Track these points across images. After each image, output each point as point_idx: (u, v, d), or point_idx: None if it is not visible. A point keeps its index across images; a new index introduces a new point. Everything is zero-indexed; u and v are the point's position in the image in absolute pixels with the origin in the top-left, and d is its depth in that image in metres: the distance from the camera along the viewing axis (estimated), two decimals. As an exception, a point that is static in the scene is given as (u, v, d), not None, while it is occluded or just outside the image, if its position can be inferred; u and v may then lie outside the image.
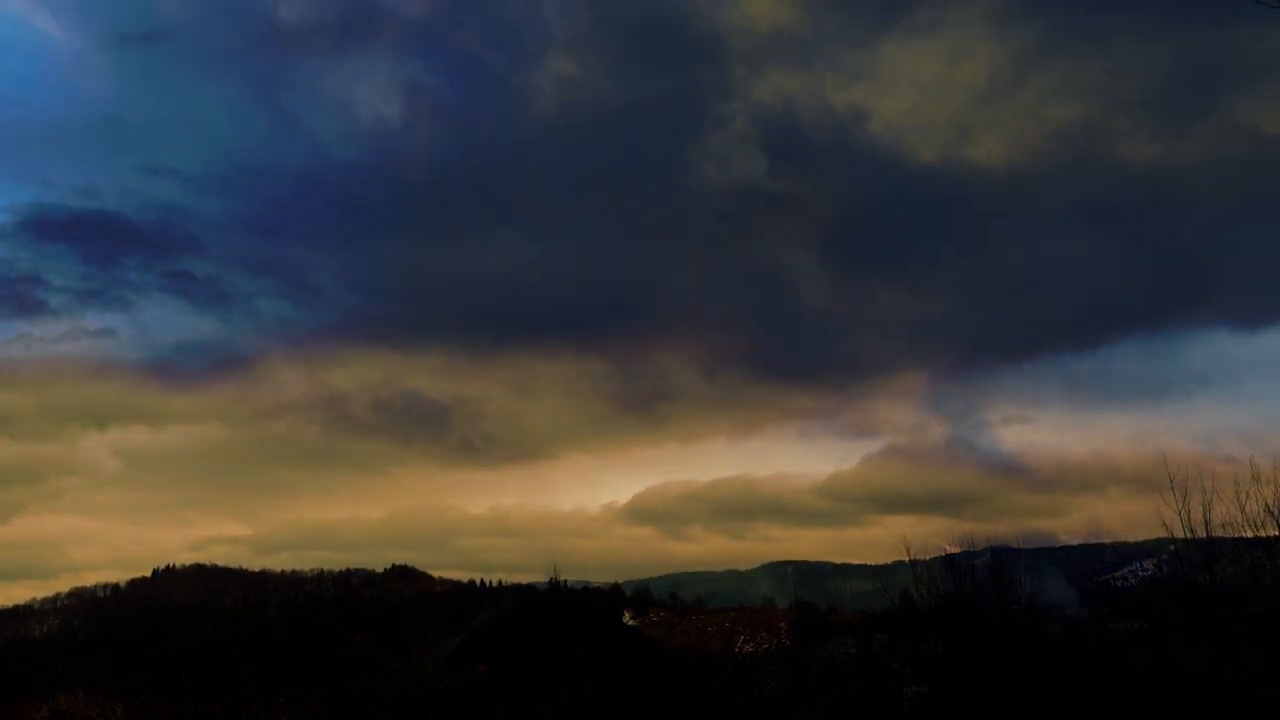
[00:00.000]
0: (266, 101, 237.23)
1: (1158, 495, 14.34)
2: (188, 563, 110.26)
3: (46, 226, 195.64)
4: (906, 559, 21.19)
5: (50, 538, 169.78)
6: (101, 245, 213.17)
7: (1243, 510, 13.60)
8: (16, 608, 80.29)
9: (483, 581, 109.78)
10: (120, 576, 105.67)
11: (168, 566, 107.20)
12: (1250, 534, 13.83)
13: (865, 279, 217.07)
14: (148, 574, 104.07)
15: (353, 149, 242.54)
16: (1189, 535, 14.26)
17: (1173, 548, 15.34)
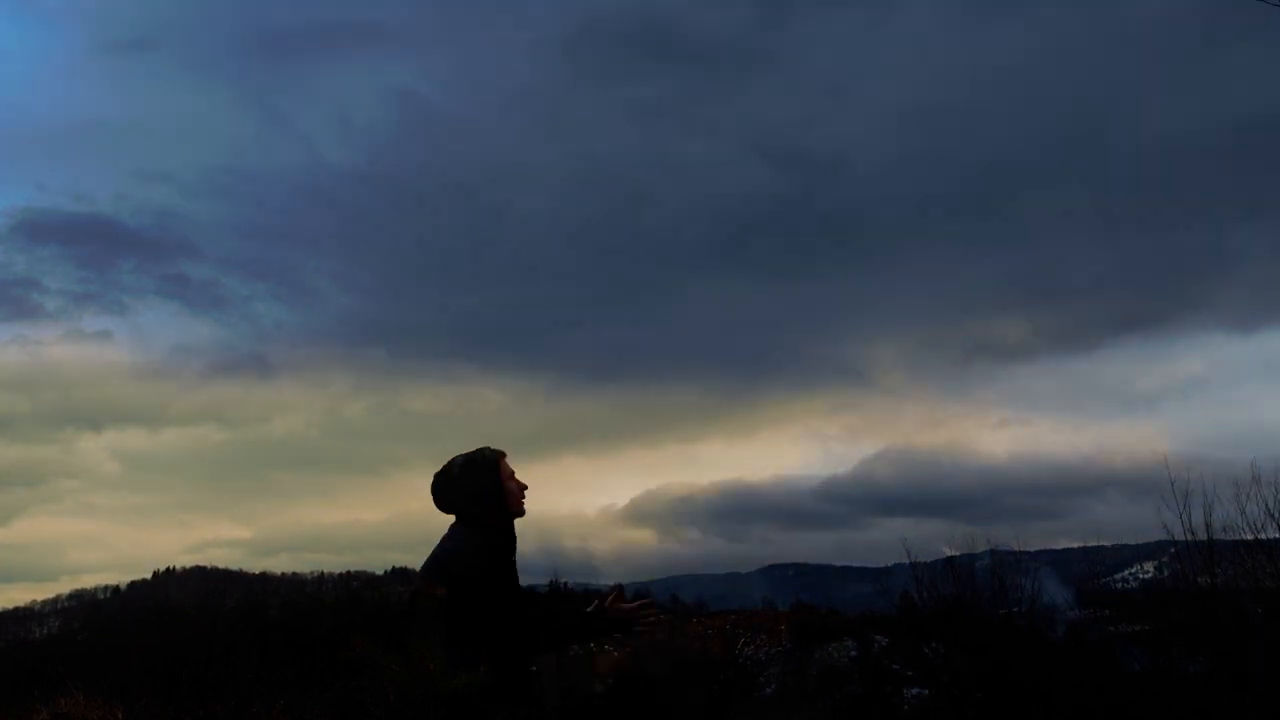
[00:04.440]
0: (259, 106, 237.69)
1: (1157, 497, 14.35)
2: (187, 565, 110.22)
3: (41, 230, 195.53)
4: (906, 561, 21.20)
5: (49, 540, 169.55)
6: (96, 249, 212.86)
7: (1243, 513, 13.63)
8: (16, 610, 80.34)
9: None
10: (120, 579, 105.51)
11: (168, 569, 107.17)
12: (1250, 537, 13.87)
13: (862, 280, 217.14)
14: (148, 576, 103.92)
15: (347, 152, 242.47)
16: (1190, 538, 14.28)
17: (1173, 550, 15.34)
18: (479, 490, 3.20)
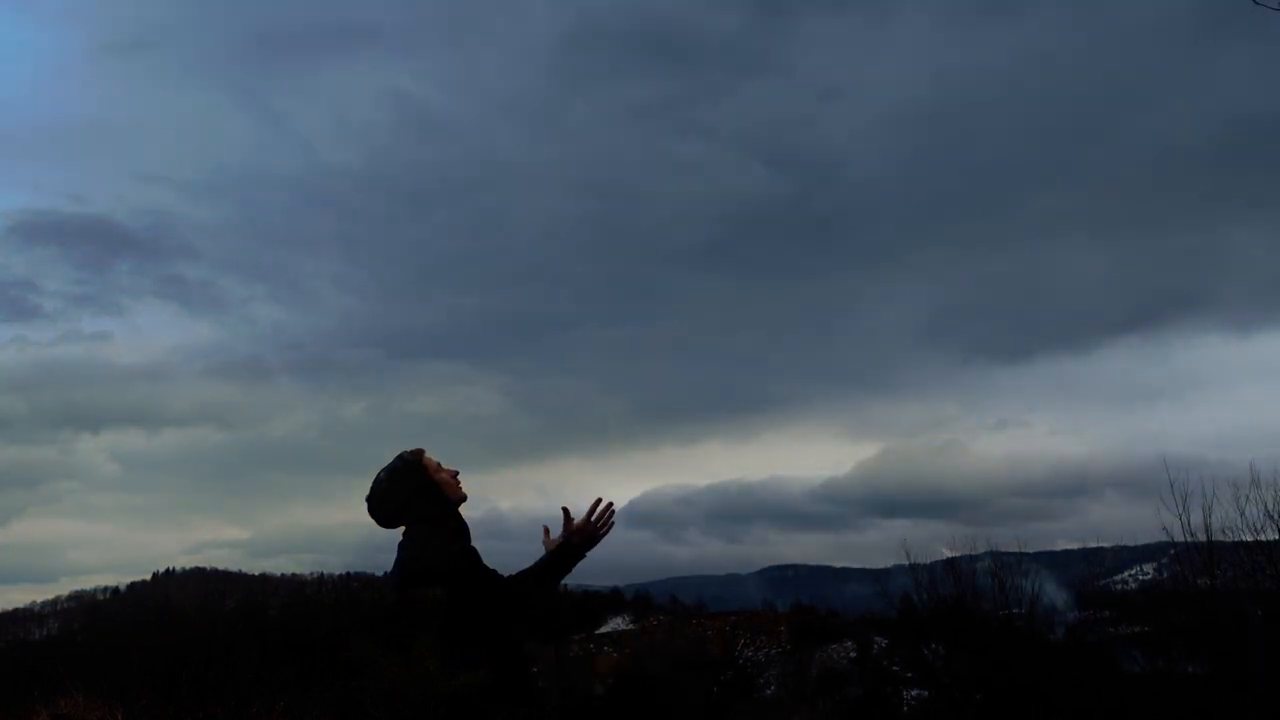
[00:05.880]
0: (257, 107, 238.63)
1: (1157, 499, 14.32)
2: (187, 566, 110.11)
3: (38, 231, 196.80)
4: (904, 562, 21.19)
5: (49, 541, 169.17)
6: (94, 250, 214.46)
7: (1242, 514, 13.61)
8: (16, 611, 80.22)
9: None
10: (119, 580, 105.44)
11: (167, 570, 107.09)
12: (1250, 538, 13.85)
13: (859, 283, 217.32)
14: (147, 577, 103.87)
15: (345, 154, 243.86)
16: (1189, 539, 14.26)
17: (1172, 551, 15.31)
18: (412, 494, 3.16)
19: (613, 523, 3.24)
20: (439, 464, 3.27)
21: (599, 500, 3.23)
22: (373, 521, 3.26)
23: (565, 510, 3.23)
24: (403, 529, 3.21)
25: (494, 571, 3.11)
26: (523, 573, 3.17)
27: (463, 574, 3.00)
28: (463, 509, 3.30)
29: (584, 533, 3.18)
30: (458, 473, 3.30)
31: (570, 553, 3.18)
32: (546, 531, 3.30)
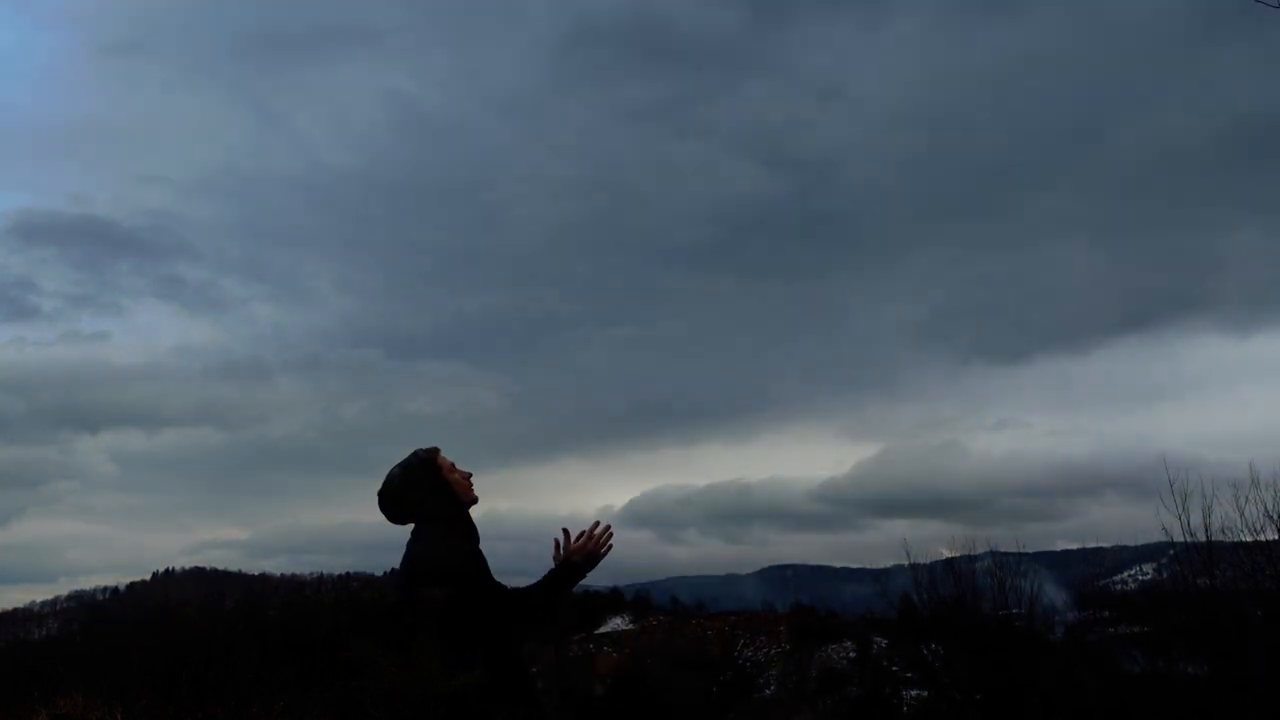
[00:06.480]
0: (256, 108, 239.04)
1: (1157, 499, 14.32)
2: (186, 566, 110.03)
3: (37, 231, 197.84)
4: (904, 562, 21.19)
5: (48, 541, 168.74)
6: (93, 250, 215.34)
7: (1241, 514, 13.61)
8: (15, 611, 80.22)
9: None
10: (119, 580, 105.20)
11: (167, 570, 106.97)
12: (1249, 538, 13.85)
13: (859, 283, 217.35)
14: (147, 577, 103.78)
15: (344, 154, 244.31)
16: (1189, 539, 14.25)
17: (1172, 552, 15.30)
18: (424, 493, 3.18)
19: (611, 545, 3.30)
20: (453, 464, 3.29)
21: (597, 522, 3.29)
22: (378, 519, 3.29)
23: (565, 531, 3.27)
24: (412, 527, 3.23)
25: (499, 584, 3.14)
26: (526, 588, 3.20)
27: (470, 576, 3.02)
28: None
29: (584, 552, 3.24)
30: (471, 475, 3.32)
31: (572, 571, 3.23)
32: (557, 545, 3.32)
